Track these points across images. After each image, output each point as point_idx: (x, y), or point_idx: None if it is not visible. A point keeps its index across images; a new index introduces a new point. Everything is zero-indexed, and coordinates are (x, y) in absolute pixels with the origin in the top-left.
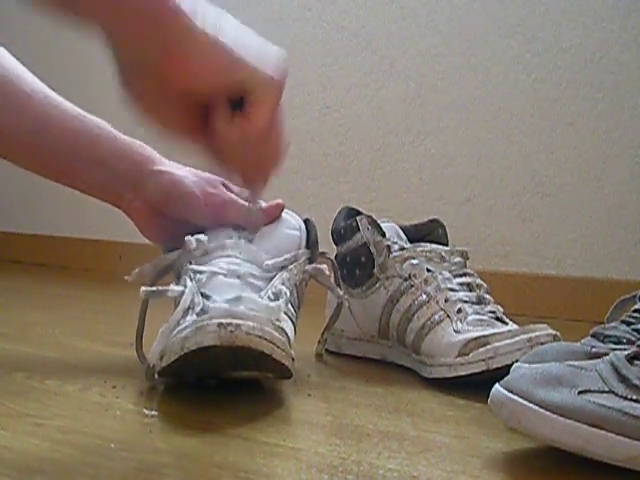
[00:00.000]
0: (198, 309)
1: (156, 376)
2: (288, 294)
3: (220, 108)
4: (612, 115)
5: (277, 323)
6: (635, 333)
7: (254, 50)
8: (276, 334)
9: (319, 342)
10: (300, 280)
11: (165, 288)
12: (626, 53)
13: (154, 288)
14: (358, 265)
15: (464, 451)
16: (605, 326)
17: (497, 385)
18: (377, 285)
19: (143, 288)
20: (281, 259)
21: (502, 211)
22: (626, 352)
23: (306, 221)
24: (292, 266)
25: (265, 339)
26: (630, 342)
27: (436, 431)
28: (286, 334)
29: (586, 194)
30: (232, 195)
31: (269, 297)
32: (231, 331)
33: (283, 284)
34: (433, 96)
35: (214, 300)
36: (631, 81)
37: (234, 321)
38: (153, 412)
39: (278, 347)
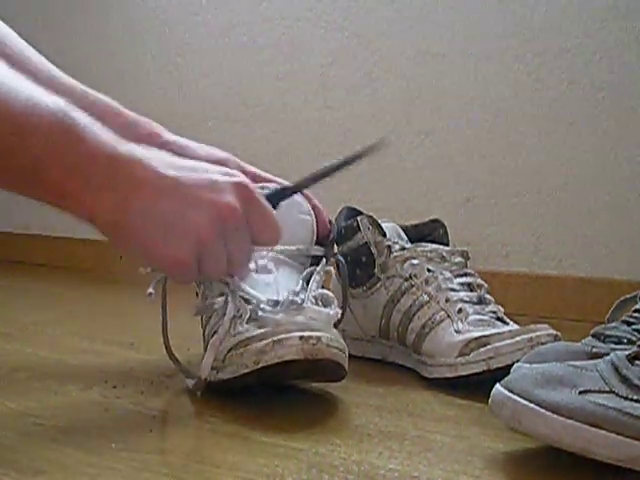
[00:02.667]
0: (246, 317)
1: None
2: (334, 299)
3: None
4: (612, 115)
5: (336, 330)
6: (636, 333)
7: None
8: (343, 342)
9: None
10: (322, 281)
11: (212, 302)
12: (627, 53)
13: (203, 304)
14: (359, 265)
15: (465, 451)
16: (606, 326)
17: (498, 385)
18: (378, 285)
19: (195, 306)
20: (304, 248)
21: (503, 211)
22: (627, 352)
23: (330, 222)
24: (319, 267)
25: (340, 350)
26: (631, 342)
27: (437, 431)
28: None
29: (587, 194)
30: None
31: (311, 301)
32: (313, 344)
33: (323, 287)
34: (433, 96)
35: (259, 303)
36: (631, 81)
37: (314, 334)
38: (154, 412)
39: (345, 354)
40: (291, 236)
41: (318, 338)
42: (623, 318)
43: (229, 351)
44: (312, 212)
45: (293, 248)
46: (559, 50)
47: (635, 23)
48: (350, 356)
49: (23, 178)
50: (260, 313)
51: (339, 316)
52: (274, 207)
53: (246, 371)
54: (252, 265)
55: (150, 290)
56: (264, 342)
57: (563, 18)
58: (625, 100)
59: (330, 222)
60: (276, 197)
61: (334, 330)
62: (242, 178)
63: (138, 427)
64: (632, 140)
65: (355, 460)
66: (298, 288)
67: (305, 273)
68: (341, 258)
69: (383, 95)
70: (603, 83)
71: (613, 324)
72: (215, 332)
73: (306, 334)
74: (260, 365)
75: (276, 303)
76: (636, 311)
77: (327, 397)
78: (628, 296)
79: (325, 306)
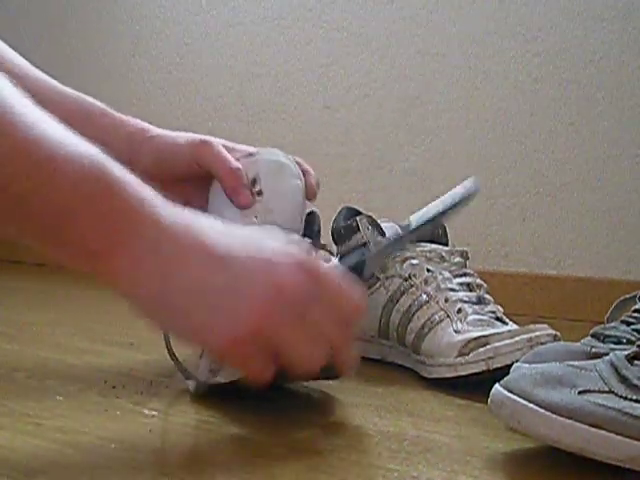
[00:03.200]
0: None
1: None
2: None
3: None
4: (612, 115)
5: None
6: (635, 333)
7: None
8: None
9: None
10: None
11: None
12: (626, 53)
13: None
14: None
15: (464, 451)
16: (605, 326)
17: (497, 385)
18: (377, 285)
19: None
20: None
21: (502, 211)
22: (626, 352)
23: (310, 214)
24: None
25: None
26: (630, 342)
27: (436, 431)
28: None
29: (586, 194)
30: (225, 153)
31: None
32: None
33: None
34: (433, 96)
35: None
36: (631, 81)
37: None
38: (153, 412)
39: None
40: (284, 203)
41: None
42: (622, 318)
43: None
44: (302, 176)
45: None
46: (559, 50)
47: (635, 23)
48: None
49: (42, 232)
50: None
51: None
52: (360, 276)
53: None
54: None
55: None
56: None
57: (563, 18)
58: (625, 100)
59: (312, 212)
60: (357, 267)
61: None
62: (302, 255)
63: (138, 427)
64: (632, 140)
65: (354, 460)
66: None
67: None
68: (331, 249)
69: (383, 95)
70: (603, 83)
71: (612, 324)
72: None
73: None
74: None
75: None
76: (635, 311)
77: (326, 397)
78: (627, 296)
79: None
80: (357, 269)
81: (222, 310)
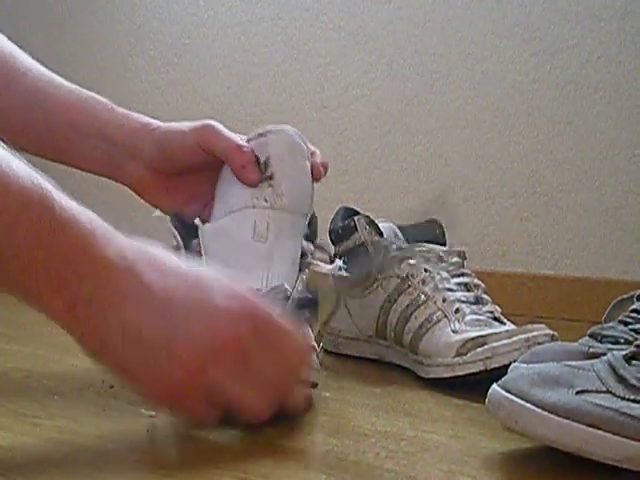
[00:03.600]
0: None
1: None
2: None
3: None
4: (610, 115)
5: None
6: (633, 333)
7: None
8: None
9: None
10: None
11: None
12: (624, 53)
13: None
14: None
15: (462, 451)
16: (603, 326)
17: (495, 385)
18: (375, 285)
19: None
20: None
21: (500, 211)
22: (624, 352)
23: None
24: (306, 269)
25: None
26: (628, 342)
27: (434, 431)
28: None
29: (584, 194)
30: (230, 133)
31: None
32: None
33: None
34: (431, 96)
35: None
36: (629, 81)
37: None
38: (151, 412)
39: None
40: (295, 187)
41: None
42: (620, 318)
43: None
44: (309, 155)
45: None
46: (557, 50)
47: (633, 23)
48: (347, 356)
49: None
50: None
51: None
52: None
53: None
54: (250, 230)
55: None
56: None
57: (561, 18)
58: (623, 100)
59: (313, 216)
60: (299, 304)
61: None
62: (247, 303)
63: (135, 427)
64: (629, 140)
65: (352, 460)
66: (285, 282)
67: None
68: (329, 250)
69: (380, 95)
70: (601, 83)
71: (610, 324)
72: None
73: None
74: None
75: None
76: (633, 311)
77: (323, 397)
78: (625, 296)
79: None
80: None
81: (155, 359)
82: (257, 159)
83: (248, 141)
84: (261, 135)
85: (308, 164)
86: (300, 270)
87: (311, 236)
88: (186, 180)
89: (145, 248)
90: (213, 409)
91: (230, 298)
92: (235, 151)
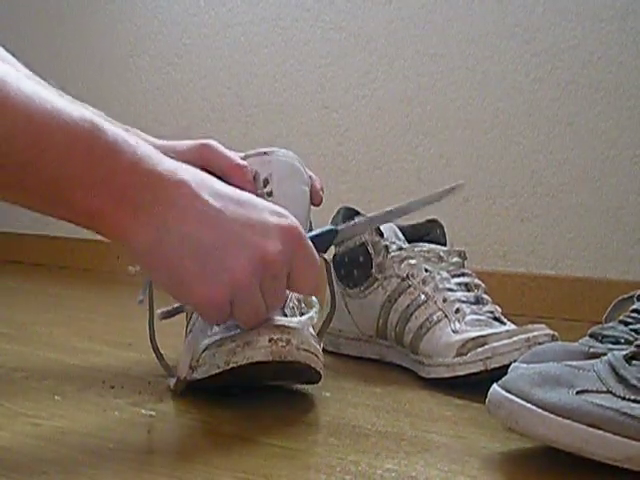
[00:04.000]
0: None
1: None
2: (317, 302)
3: None
4: (610, 115)
5: (312, 332)
6: (633, 333)
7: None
8: (317, 345)
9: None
10: None
11: (181, 305)
12: (624, 53)
13: (170, 308)
14: (356, 265)
15: (462, 451)
16: (603, 326)
17: (495, 385)
18: (375, 285)
19: (159, 311)
20: None
21: (500, 211)
22: (624, 352)
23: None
24: None
25: (311, 352)
26: (628, 342)
27: (434, 431)
28: (319, 342)
29: (584, 194)
30: (228, 151)
31: (294, 303)
32: (282, 346)
33: None
34: (432, 96)
35: None
36: (629, 81)
37: (284, 336)
38: (152, 412)
39: (318, 358)
40: (292, 207)
41: (288, 340)
42: (620, 318)
43: (203, 351)
44: (309, 181)
45: None
46: (558, 50)
47: (634, 23)
48: (347, 356)
49: (45, 197)
50: None
51: (314, 320)
52: (324, 250)
53: (217, 371)
54: None
55: (140, 297)
56: (234, 343)
57: (562, 18)
58: (623, 100)
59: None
60: (325, 241)
61: (307, 333)
62: (292, 221)
63: (136, 427)
64: (630, 140)
65: (352, 460)
66: None
67: None
68: (326, 257)
69: (381, 95)
70: (601, 83)
71: (610, 324)
72: (191, 331)
73: (276, 336)
74: (230, 366)
75: None
76: (633, 311)
77: (324, 397)
78: (625, 296)
79: (307, 308)
80: (325, 242)
81: (209, 266)
82: (257, 175)
83: (246, 157)
84: (265, 154)
85: (307, 190)
86: None
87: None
88: None
89: (193, 169)
90: (255, 311)
91: (277, 216)
92: (234, 168)
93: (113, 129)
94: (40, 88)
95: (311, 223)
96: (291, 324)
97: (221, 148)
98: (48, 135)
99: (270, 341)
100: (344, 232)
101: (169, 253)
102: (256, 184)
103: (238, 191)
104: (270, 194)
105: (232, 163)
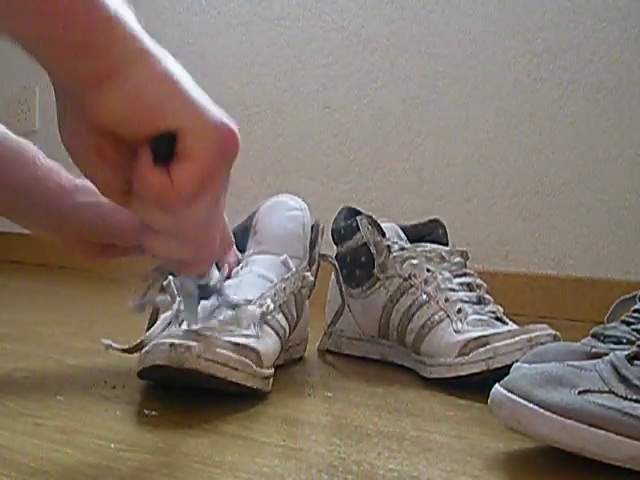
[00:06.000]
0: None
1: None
2: (272, 307)
3: (142, 156)
4: (612, 115)
5: (243, 342)
6: (635, 333)
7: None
8: (234, 356)
9: (324, 335)
10: (299, 288)
11: (152, 298)
12: (626, 53)
13: (142, 300)
14: (358, 265)
15: (464, 451)
16: (605, 326)
17: (497, 385)
18: (377, 285)
19: (130, 302)
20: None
21: (502, 211)
22: (626, 352)
23: (315, 225)
24: (289, 274)
25: (218, 362)
26: (630, 342)
27: (436, 431)
28: (255, 352)
29: (586, 194)
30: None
31: (269, 307)
32: (181, 352)
33: (275, 295)
34: (433, 96)
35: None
36: (631, 81)
37: (185, 342)
38: (153, 412)
39: (235, 369)
40: (272, 233)
41: (188, 347)
42: (622, 318)
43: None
44: (303, 207)
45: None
46: (559, 50)
47: (635, 23)
48: (349, 356)
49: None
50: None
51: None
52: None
53: (139, 369)
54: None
55: (136, 302)
56: (150, 344)
57: (563, 18)
58: (625, 100)
59: (314, 226)
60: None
61: (221, 342)
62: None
63: (137, 427)
64: (632, 140)
65: (354, 460)
66: (250, 296)
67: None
68: (332, 259)
69: (383, 95)
70: (603, 83)
71: (612, 324)
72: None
73: (177, 342)
74: (142, 366)
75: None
76: (635, 311)
77: (326, 397)
78: (627, 296)
79: (286, 316)
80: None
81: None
82: (252, 224)
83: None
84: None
85: (297, 212)
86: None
87: (310, 245)
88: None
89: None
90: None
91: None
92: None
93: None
94: None
95: (317, 225)
96: (203, 331)
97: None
98: None
99: (171, 346)
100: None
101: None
102: (250, 233)
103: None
104: (256, 232)
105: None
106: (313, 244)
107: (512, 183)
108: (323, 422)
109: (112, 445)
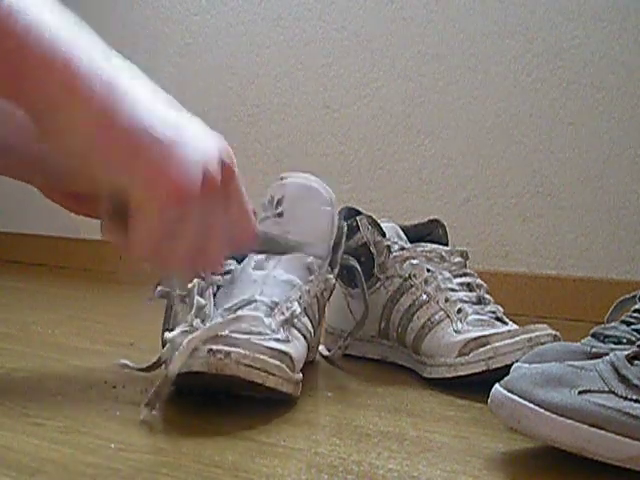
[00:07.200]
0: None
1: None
2: (298, 311)
3: (100, 210)
4: (612, 115)
5: (277, 346)
6: (635, 333)
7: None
8: (271, 361)
9: (338, 347)
10: (322, 290)
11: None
12: (626, 53)
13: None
14: (358, 265)
15: (464, 451)
16: (605, 326)
17: (497, 385)
18: (377, 285)
19: (158, 289)
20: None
21: (502, 211)
22: (626, 352)
23: (340, 227)
24: (313, 277)
25: (256, 368)
26: (630, 342)
27: (436, 431)
28: (289, 356)
29: (586, 194)
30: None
31: (282, 312)
32: (220, 359)
33: (300, 297)
34: (433, 96)
35: (217, 309)
36: (631, 81)
37: (225, 348)
38: (153, 412)
39: (273, 374)
40: (302, 226)
41: (227, 353)
42: (622, 318)
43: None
44: (334, 201)
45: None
46: (559, 50)
47: (635, 23)
48: (350, 356)
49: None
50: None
51: (285, 328)
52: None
53: (171, 376)
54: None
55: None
56: (181, 349)
57: (563, 18)
58: (625, 100)
59: (339, 227)
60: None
61: (258, 346)
62: (223, 149)
63: (138, 427)
64: (632, 140)
65: (354, 460)
66: (277, 298)
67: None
68: (357, 265)
69: (383, 95)
70: (603, 83)
71: (612, 324)
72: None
73: (216, 347)
74: (177, 372)
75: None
76: (635, 311)
77: (326, 397)
78: (627, 296)
79: (311, 320)
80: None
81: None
82: (272, 198)
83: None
84: (282, 178)
85: (327, 208)
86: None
87: (333, 246)
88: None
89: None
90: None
91: (208, 137)
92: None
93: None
94: None
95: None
96: (239, 336)
97: None
98: None
99: (209, 352)
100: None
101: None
102: (269, 206)
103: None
104: (280, 215)
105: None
106: (337, 246)
107: (512, 183)
108: (323, 422)
109: (112, 445)
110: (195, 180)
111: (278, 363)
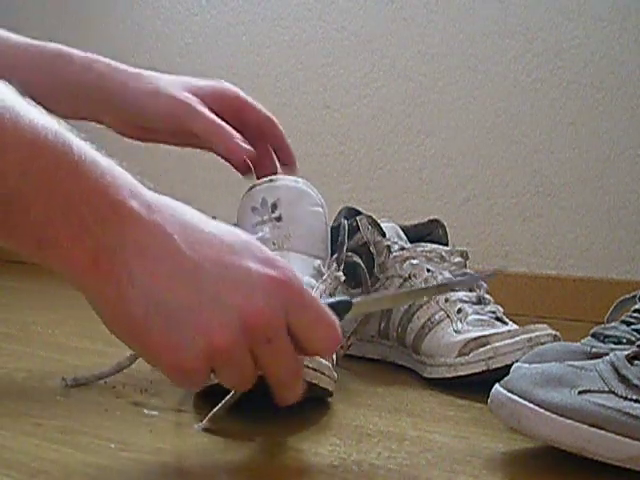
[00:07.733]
0: None
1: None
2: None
3: None
4: (612, 115)
5: None
6: (635, 333)
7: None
8: (323, 362)
9: (341, 347)
10: (334, 288)
11: None
12: (626, 53)
13: None
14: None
15: (464, 451)
16: (605, 326)
17: (497, 385)
18: (377, 285)
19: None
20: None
21: (502, 211)
22: (626, 352)
23: (337, 227)
24: (326, 276)
25: (313, 369)
26: (630, 342)
27: (436, 431)
28: (331, 357)
29: (586, 194)
30: (208, 113)
31: None
32: None
33: (320, 297)
34: (433, 96)
35: None
36: (631, 81)
37: None
38: (153, 412)
39: (324, 374)
40: (302, 229)
41: None
42: (622, 318)
43: None
44: (323, 203)
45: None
46: (559, 50)
47: (635, 23)
48: (350, 356)
49: None
50: None
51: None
52: (339, 317)
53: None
54: None
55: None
56: None
57: (563, 18)
58: (625, 100)
59: (342, 226)
60: (342, 307)
61: None
62: (282, 269)
63: (138, 427)
64: (632, 140)
65: (354, 460)
66: None
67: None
68: (361, 262)
69: (383, 95)
70: (603, 83)
71: (612, 324)
72: None
73: None
74: None
75: None
76: (635, 311)
77: (326, 397)
78: (627, 296)
79: None
80: (338, 310)
81: (179, 328)
82: (265, 201)
83: (253, 186)
84: (271, 180)
85: (319, 209)
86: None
87: (336, 246)
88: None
89: (170, 201)
90: (242, 379)
91: (263, 265)
92: (267, 121)
93: (83, 144)
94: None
95: (340, 232)
96: None
97: (248, 99)
98: (3, 144)
99: None
100: (360, 306)
101: (132, 312)
102: (263, 210)
103: (221, 230)
104: (279, 219)
105: (263, 115)
106: (342, 244)
107: (512, 183)
108: (323, 422)
109: (112, 445)
110: (193, 359)
111: (327, 363)
